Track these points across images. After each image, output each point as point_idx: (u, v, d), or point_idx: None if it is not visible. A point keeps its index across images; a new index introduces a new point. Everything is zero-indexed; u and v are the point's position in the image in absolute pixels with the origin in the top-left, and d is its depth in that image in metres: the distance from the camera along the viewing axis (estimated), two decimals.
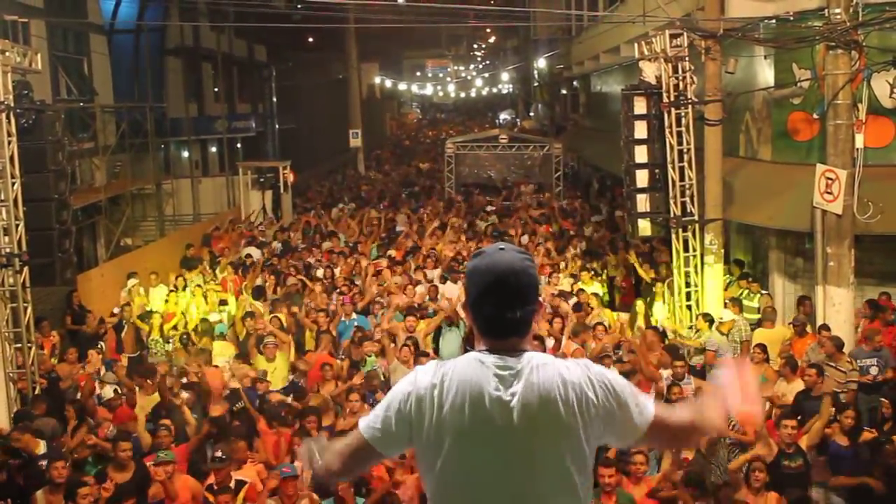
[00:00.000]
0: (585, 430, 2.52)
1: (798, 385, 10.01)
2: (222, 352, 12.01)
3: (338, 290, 14.40)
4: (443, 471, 2.55)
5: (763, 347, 10.68)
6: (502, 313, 2.52)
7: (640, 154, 13.17)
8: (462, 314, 11.39)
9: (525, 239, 18.03)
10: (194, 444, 8.98)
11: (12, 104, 10.86)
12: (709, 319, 12.04)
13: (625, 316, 14.07)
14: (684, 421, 2.71)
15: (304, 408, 9.48)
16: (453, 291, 13.90)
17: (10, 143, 10.87)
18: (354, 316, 13.17)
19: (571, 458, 2.51)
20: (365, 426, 2.70)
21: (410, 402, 2.57)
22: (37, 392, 10.86)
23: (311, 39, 42.35)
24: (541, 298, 2.65)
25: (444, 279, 14.97)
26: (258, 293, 14.53)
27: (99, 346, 12.72)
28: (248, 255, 17.72)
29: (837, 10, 11.03)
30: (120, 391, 10.40)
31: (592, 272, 15.26)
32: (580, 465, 2.54)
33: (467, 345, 10.08)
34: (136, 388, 10.19)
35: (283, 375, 11.19)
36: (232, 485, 7.97)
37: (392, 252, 17.62)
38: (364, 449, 2.71)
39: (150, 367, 11.05)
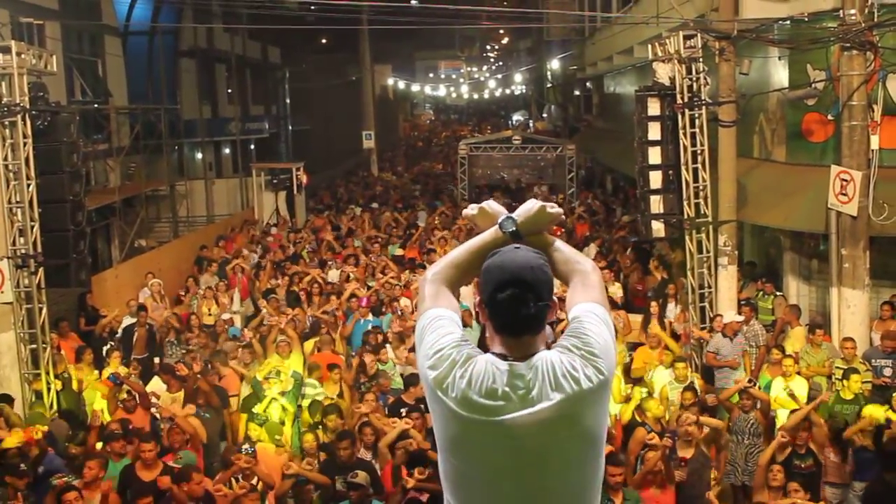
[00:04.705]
0: (597, 415, 2.48)
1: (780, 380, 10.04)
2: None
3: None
4: (450, 466, 2.53)
5: (781, 348, 10.64)
6: (517, 309, 2.48)
7: (654, 155, 13.11)
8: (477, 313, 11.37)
9: None
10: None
11: (27, 106, 10.92)
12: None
13: (638, 317, 14.01)
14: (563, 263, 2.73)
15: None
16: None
17: (25, 144, 10.93)
18: (370, 317, 13.16)
19: (584, 457, 2.50)
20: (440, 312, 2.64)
21: (446, 369, 2.50)
22: (52, 393, 10.92)
23: (324, 41, 42.44)
24: (555, 297, 2.57)
25: None
26: (269, 295, 14.54)
27: (109, 345, 12.74)
28: (261, 255, 17.67)
29: (852, 11, 10.98)
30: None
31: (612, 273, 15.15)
32: (591, 462, 2.52)
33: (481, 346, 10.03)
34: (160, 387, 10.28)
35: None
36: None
37: (399, 251, 17.53)
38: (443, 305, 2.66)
39: (171, 366, 11.14)
